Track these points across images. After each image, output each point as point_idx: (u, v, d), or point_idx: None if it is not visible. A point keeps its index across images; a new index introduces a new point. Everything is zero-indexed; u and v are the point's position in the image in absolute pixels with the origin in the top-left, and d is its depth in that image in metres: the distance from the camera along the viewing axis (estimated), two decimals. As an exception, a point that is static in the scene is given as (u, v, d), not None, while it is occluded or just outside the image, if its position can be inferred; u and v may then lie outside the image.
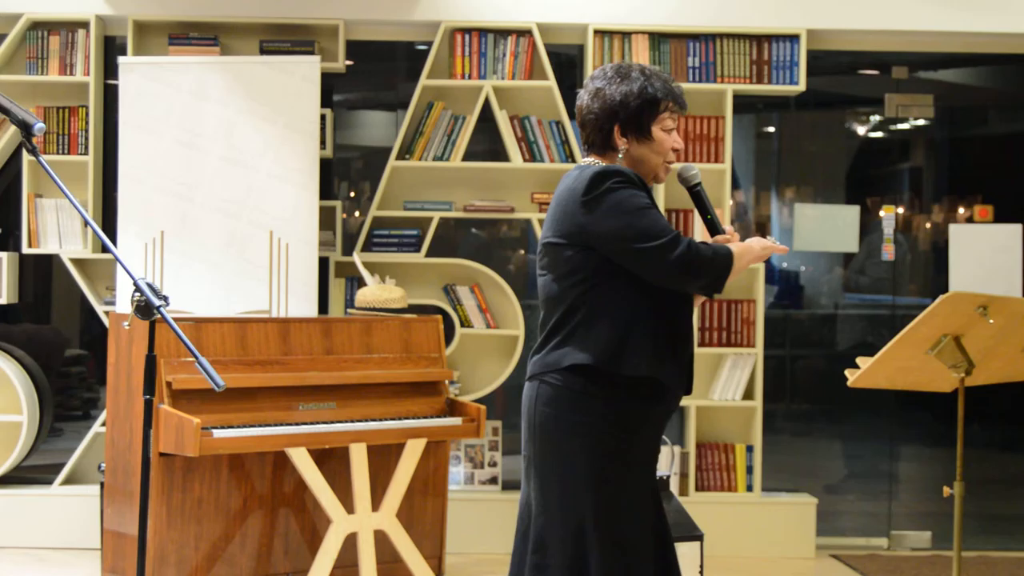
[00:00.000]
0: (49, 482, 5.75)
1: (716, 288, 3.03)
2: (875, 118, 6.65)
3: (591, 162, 3.10)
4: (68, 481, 5.74)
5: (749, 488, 5.84)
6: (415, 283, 5.85)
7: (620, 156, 3.09)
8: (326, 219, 5.76)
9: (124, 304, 5.12)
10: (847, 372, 3.86)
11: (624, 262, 2.97)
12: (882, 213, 6.24)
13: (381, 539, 4.59)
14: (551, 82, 5.78)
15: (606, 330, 2.97)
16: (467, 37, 5.79)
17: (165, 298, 2.87)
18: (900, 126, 6.63)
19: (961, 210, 6.53)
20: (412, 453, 4.64)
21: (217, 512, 4.50)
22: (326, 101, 5.84)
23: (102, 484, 4.79)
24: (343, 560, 4.53)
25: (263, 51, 5.73)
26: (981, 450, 6.38)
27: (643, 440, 3.05)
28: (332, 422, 4.54)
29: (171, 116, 5.16)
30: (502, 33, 5.80)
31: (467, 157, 5.82)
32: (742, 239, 3.20)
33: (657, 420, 3.09)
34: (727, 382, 5.81)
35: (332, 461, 4.60)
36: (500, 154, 5.91)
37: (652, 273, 2.97)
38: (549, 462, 3.02)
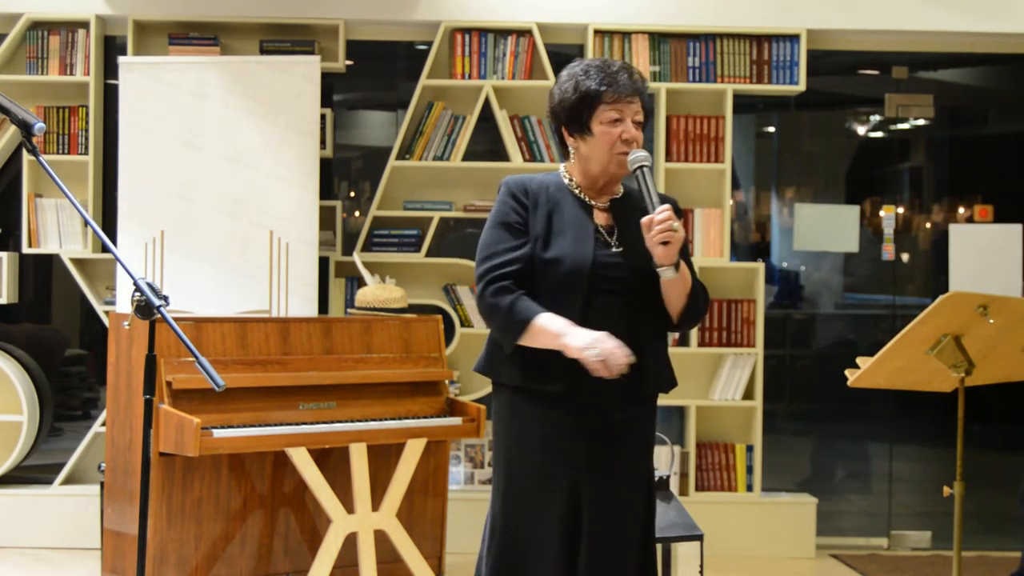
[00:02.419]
0: (49, 482, 5.75)
1: (504, 343, 2.98)
2: (875, 118, 6.65)
3: (561, 165, 3.14)
4: (68, 481, 5.74)
5: (749, 488, 5.84)
6: (415, 283, 5.85)
7: (572, 157, 3.07)
8: (326, 219, 5.76)
9: (124, 304, 5.12)
10: (847, 372, 3.85)
11: None
12: (882, 213, 6.24)
13: (381, 539, 4.59)
14: (551, 82, 5.77)
15: (490, 336, 3.09)
16: (467, 37, 5.79)
17: (165, 298, 2.87)
18: (900, 126, 6.63)
19: (961, 210, 6.53)
20: (412, 453, 4.64)
21: (217, 512, 4.50)
22: (326, 101, 5.84)
23: (102, 484, 4.79)
24: (343, 560, 4.53)
25: (263, 51, 5.73)
26: (981, 450, 6.38)
27: (534, 439, 2.99)
28: (332, 422, 4.54)
29: (171, 116, 5.16)
30: (502, 33, 5.80)
31: (467, 157, 5.82)
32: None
33: (552, 422, 2.99)
34: (727, 382, 5.81)
35: (332, 461, 4.60)
36: (500, 154, 5.91)
37: None
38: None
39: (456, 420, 4.80)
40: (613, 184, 3.08)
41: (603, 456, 3.01)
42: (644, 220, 2.91)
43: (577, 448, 2.98)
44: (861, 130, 6.74)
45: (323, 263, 5.69)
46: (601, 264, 2.96)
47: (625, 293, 2.98)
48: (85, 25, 5.71)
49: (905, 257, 6.45)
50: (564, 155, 3.13)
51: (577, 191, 3.06)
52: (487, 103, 5.78)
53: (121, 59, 5.30)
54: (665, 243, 2.87)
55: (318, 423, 4.51)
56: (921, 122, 6.55)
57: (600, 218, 3.06)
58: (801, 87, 5.82)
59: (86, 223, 4.95)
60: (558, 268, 2.94)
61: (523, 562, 2.99)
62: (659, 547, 4.17)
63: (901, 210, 6.46)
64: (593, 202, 3.07)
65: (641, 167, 2.97)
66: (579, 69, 3.02)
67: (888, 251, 6.19)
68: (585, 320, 2.92)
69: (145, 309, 2.87)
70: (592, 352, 2.82)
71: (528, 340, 2.91)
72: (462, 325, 5.82)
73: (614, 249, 3.00)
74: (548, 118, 3.12)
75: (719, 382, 5.83)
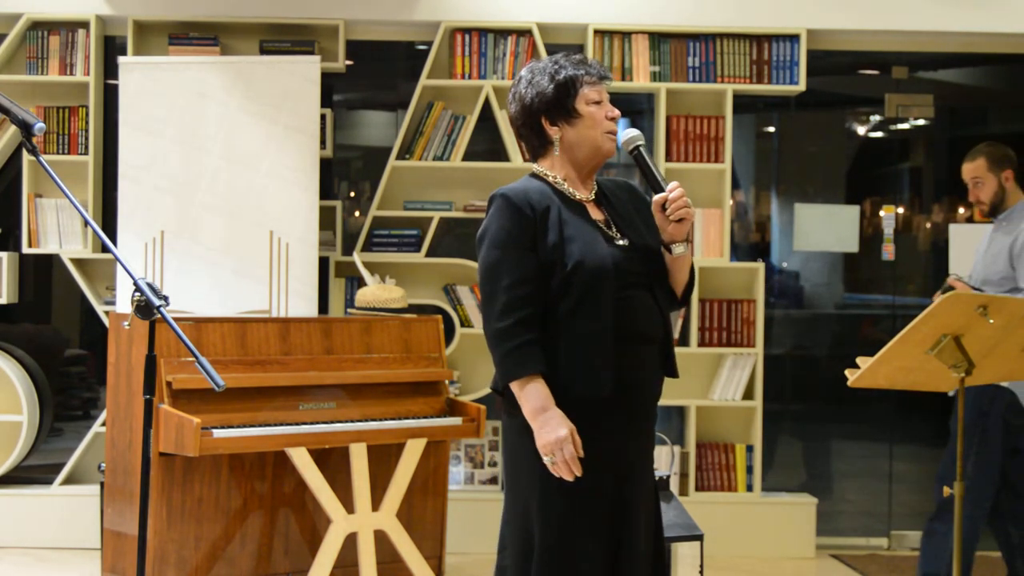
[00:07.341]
0: (49, 482, 5.75)
1: (498, 374, 2.91)
2: (875, 118, 6.64)
3: (534, 168, 3.08)
4: (68, 481, 5.74)
5: (749, 488, 5.84)
6: (415, 283, 5.85)
7: (556, 148, 3.02)
8: (326, 219, 5.76)
9: (124, 304, 5.12)
10: (847, 372, 3.85)
11: None
12: (882, 213, 6.24)
13: (381, 539, 4.59)
14: (551, 82, 5.77)
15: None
16: (467, 37, 5.79)
17: (165, 298, 2.87)
18: (900, 126, 6.63)
19: (961, 210, 6.53)
20: (412, 453, 4.64)
21: (217, 512, 4.50)
22: (326, 101, 5.84)
23: (102, 484, 4.79)
24: (343, 560, 4.53)
25: (263, 51, 5.73)
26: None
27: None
28: (332, 422, 4.54)
29: (171, 116, 5.16)
30: (502, 33, 5.80)
31: (467, 157, 5.82)
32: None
33: (596, 426, 2.90)
34: (727, 382, 5.81)
35: (332, 461, 4.60)
36: (500, 154, 5.91)
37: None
38: (506, 465, 3.05)
39: (456, 420, 4.80)
40: (598, 168, 3.08)
41: (640, 456, 3.02)
42: (657, 198, 2.95)
43: (620, 451, 2.96)
44: (861, 130, 6.74)
45: (323, 263, 5.69)
46: (618, 260, 2.94)
47: (647, 282, 2.99)
48: (85, 25, 5.71)
49: (891, 254, 6.43)
50: (532, 157, 3.10)
51: (565, 188, 3.03)
52: (487, 103, 5.78)
53: (121, 59, 5.30)
54: (680, 220, 2.94)
55: (318, 423, 4.51)
56: (921, 122, 6.54)
57: (594, 213, 3.05)
58: (801, 87, 5.82)
59: (86, 223, 4.95)
60: (582, 274, 2.89)
61: (573, 569, 2.90)
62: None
63: (901, 210, 6.46)
64: (583, 199, 3.05)
65: (638, 146, 3.02)
66: (544, 66, 3.04)
67: (888, 251, 6.19)
68: (623, 318, 2.90)
69: (145, 309, 2.87)
70: (547, 460, 2.82)
71: (514, 388, 2.86)
72: (462, 325, 5.82)
73: (620, 242, 2.99)
74: (516, 120, 3.06)
75: (719, 382, 5.83)
